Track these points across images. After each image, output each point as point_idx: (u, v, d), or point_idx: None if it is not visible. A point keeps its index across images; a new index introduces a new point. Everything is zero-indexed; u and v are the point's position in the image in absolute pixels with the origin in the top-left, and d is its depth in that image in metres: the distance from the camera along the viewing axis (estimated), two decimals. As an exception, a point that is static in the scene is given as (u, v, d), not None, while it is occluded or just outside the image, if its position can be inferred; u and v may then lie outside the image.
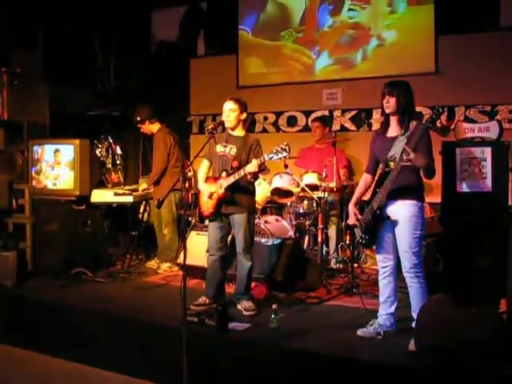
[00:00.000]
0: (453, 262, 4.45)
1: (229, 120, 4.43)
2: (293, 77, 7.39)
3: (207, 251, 4.70)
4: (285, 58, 7.45)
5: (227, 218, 4.50)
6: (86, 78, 7.33)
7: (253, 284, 4.70)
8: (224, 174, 4.39)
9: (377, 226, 3.75)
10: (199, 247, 5.32)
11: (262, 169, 4.25)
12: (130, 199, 5.80)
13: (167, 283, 5.43)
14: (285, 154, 4.04)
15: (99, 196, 5.79)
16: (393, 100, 3.67)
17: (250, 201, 4.51)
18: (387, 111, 3.74)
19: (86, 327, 4.42)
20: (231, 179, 4.32)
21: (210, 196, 4.46)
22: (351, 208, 3.90)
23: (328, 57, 7.21)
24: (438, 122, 3.43)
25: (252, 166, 4.16)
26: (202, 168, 4.65)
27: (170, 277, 5.58)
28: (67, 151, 5.61)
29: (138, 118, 6.09)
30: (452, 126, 5.93)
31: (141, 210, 6.53)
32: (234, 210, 4.43)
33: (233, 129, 4.50)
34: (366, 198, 3.90)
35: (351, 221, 3.90)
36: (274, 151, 4.07)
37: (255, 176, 4.29)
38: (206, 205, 4.51)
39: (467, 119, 6.17)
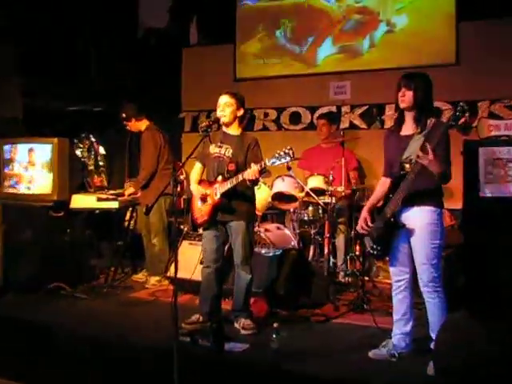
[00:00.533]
0: (476, 275, 4.45)
1: (224, 115, 4.45)
2: (292, 66, 7.41)
3: (201, 263, 4.71)
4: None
5: (223, 226, 4.51)
6: (65, 70, 7.32)
7: (252, 299, 4.70)
8: (220, 178, 4.40)
9: (390, 235, 3.74)
10: (192, 258, 5.32)
11: (264, 171, 4.26)
12: (114, 205, 5.80)
13: (156, 299, 5.44)
14: (288, 158, 4.05)
15: (80, 201, 5.77)
16: (410, 94, 3.67)
17: (248, 207, 4.51)
18: (402, 106, 3.74)
19: (64, 350, 4.40)
20: (228, 185, 4.33)
21: (204, 202, 4.47)
22: (364, 214, 3.89)
23: (332, 45, 7.25)
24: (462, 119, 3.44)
25: (251, 173, 4.16)
26: (195, 171, 4.66)
27: (160, 292, 5.58)
28: (43, 151, 5.61)
29: (124, 115, 6.09)
30: (475, 123, 5.97)
31: (127, 217, 6.52)
32: (231, 218, 4.44)
33: (228, 125, 4.52)
34: (379, 204, 3.90)
35: (359, 226, 3.89)
36: (276, 155, 4.07)
37: (255, 181, 4.29)
38: (200, 211, 4.51)
39: (492, 115, 6.16)
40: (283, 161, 4.06)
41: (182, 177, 6.03)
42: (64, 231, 5.90)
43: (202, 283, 4.62)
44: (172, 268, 4.52)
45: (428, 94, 3.70)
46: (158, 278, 5.95)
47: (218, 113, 4.47)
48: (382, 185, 3.97)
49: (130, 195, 6.00)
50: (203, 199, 4.46)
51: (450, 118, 3.50)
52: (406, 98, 3.69)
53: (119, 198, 5.87)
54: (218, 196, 4.36)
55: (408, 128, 3.77)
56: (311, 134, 7.08)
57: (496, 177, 4.40)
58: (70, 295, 5.49)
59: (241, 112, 4.51)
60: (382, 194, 3.93)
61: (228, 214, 4.43)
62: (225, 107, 4.45)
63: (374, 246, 3.82)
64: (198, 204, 4.54)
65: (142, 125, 6.10)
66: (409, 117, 3.75)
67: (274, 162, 4.09)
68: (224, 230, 4.51)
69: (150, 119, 6.16)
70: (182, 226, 6.07)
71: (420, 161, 3.47)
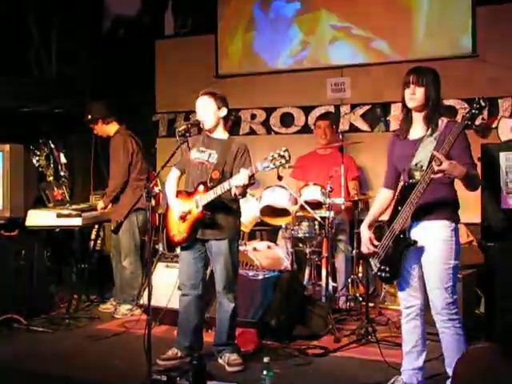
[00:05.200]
0: (498, 300, 4.45)
1: (204, 120, 4.44)
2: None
3: (179, 289, 4.67)
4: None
5: (203, 246, 4.49)
6: (18, 64, 7.28)
7: (238, 331, 4.68)
8: (201, 187, 4.37)
9: (399, 255, 3.73)
10: (169, 284, 5.25)
11: (253, 182, 4.23)
12: (78, 222, 5.77)
13: (127, 331, 5.40)
14: (283, 161, 4.01)
15: (37, 218, 5.75)
16: (421, 91, 3.67)
17: (232, 223, 4.49)
18: (411, 105, 3.73)
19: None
20: (211, 195, 4.29)
21: (183, 217, 4.44)
22: (364, 231, 3.89)
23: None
24: (478, 118, 3.43)
25: (240, 178, 4.12)
26: (171, 179, 4.63)
27: (131, 322, 5.54)
28: (-6, 160, 5.59)
29: (89, 117, 6.10)
30: (495, 124, 5.99)
31: (93, 236, 6.49)
32: (213, 235, 4.42)
33: (211, 130, 4.51)
34: (386, 217, 3.89)
35: (365, 248, 3.88)
36: (270, 158, 4.04)
37: (243, 192, 4.27)
38: (178, 228, 4.49)
39: (515, 114, 6.23)
40: (277, 164, 4.02)
41: (156, 189, 6.00)
42: (18, 253, 5.84)
43: (180, 313, 4.59)
44: (145, 295, 4.47)
45: (439, 90, 3.71)
46: (128, 306, 5.92)
47: (198, 117, 4.47)
48: (381, 197, 3.98)
49: (102, 209, 5.98)
50: (183, 217, 4.43)
51: (464, 115, 3.48)
52: (417, 95, 3.68)
53: (83, 214, 5.84)
54: (200, 208, 4.33)
55: (417, 131, 3.77)
56: (306, 139, 7.10)
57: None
58: (25, 328, 5.43)
59: (223, 112, 4.50)
60: (381, 207, 3.95)
61: (209, 231, 4.40)
62: (204, 111, 4.45)
63: (382, 267, 3.80)
64: (175, 220, 4.51)
65: (111, 128, 6.09)
66: (418, 117, 3.75)
67: (267, 167, 4.05)
68: (204, 250, 4.49)
69: (120, 122, 6.16)
70: (157, 246, 6.04)
71: (434, 167, 3.44)
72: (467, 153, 3.62)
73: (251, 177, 4.13)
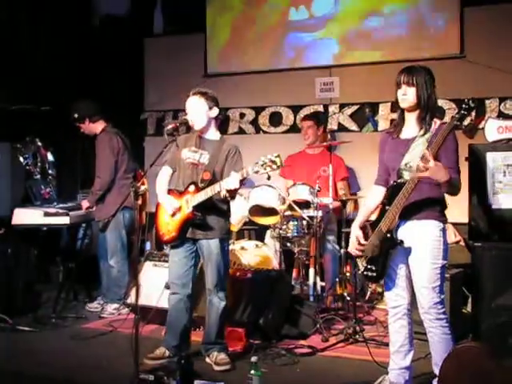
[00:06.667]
0: (485, 300, 4.47)
1: (195, 120, 4.44)
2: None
3: (167, 288, 4.66)
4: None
5: (194, 245, 4.49)
6: (6, 62, 7.24)
7: (227, 330, 4.68)
8: (192, 187, 4.38)
9: (386, 254, 3.74)
10: (157, 283, 5.28)
11: (244, 184, 4.24)
12: (65, 221, 5.76)
13: (114, 330, 5.39)
14: (274, 167, 4.02)
15: (24, 217, 5.73)
16: (412, 91, 3.68)
17: (223, 223, 4.50)
18: (403, 105, 3.75)
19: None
20: (202, 196, 4.31)
21: (173, 215, 4.44)
22: (354, 231, 3.89)
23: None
24: (467, 119, 3.44)
25: (231, 182, 4.13)
26: (163, 176, 4.63)
27: (119, 322, 5.50)
28: (-20, 158, 5.58)
29: (76, 115, 6.07)
30: (481, 125, 6.02)
31: (80, 235, 6.47)
32: (203, 235, 4.42)
33: (203, 131, 4.51)
34: (373, 217, 3.90)
35: (352, 248, 3.89)
36: (261, 163, 4.04)
37: (233, 194, 4.28)
38: (167, 226, 4.49)
39: (502, 115, 6.24)
40: (268, 170, 4.03)
41: (143, 187, 5.97)
42: (4, 252, 5.81)
43: (169, 312, 4.58)
44: (133, 294, 4.46)
45: (432, 90, 3.71)
46: (116, 305, 5.91)
47: (189, 117, 4.45)
48: (373, 195, 3.97)
49: (87, 209, 5.95)
50: (173, 215, 4.43)
51: (454, 116, 3.50)
52: (408, 95, 3.69)
53: (71, 213, 5.83)
54: (190, 209, 4.34)
55: (410, 131, 3.77)
56: (294, 138, 7.11)
57: (507, 185, 4.44)
58: (11, 328, 5.40)
59: (214, 112, 4.50)
60: (374, 205, 3.94)
61: (199, 230, 4.41)
62: (194, 111, 4.44)
63: (368, 267, 3.80)
64: (164, 218, 4.51)
65: (98, 127, 6.08)
66: (411, 117, 3.76)
67: (257, 171, 4.06)
68: (195, 249, 4.49)
69: (107, 120, 6.14)
70: (144, 245, 6.03)
71: (421, 166, 3.45)
72: (453, 156, 3.63)
73: (242, 180, 4.14)
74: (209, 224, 4.41)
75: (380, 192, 3.90)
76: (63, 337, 5.27)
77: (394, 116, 4.53)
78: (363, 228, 3.88)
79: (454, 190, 3.60)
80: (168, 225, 4.48)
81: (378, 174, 3.98)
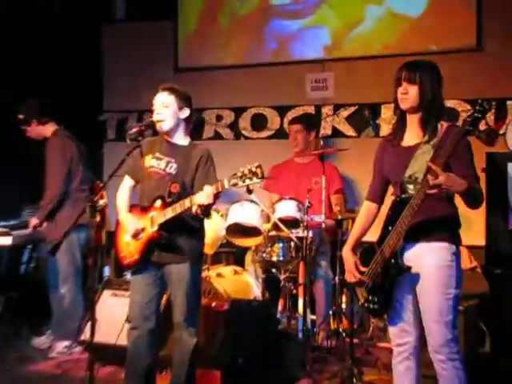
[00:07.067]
0: (506, 337, 4.49)
1: (162, 120, 4.44)
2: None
3: (128, 322, 4.65)
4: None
5: (160, 271, 4.48)
6: None
7: (199, 372, 4.65)
8: (159, 202, 4.37)
9: (391, 283, 3.75)
10: (116, 316, 5.27)
11: (218, 197, 4.23)
12: (6, 241, 5.76)
13: (64, 373, 5.36)
14: (255, 179, 4.01)
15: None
16: (414, 90, 3.69)
17: (194, 245, 4.50)
18: (404, 106, 3.76)
19: None
20: (169, 212, 4.28)
21: (136, 235, 4.43)
22: (347, 256, 3.91)
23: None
24: (482, 123, 3.46)
25: (204, 196, 4.10)
26: (123, 189, 4.63)
27: (70, 363, 5.49)
28: None
29: (21, 116, 6.07)
30: (502, 130, 6.07)
31: (24, 259, 6.44)
32: (171, 259, 4.40)
33: (170, 134, 4.51)
34: (374, 238, 3.91)
35: (350, 276, 3.90)
36: (239, 175, 4.03)
37: (206, 211, 4.27)
38: (129, 248, 4.47)
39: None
40: (248, 182, 4.02)
41: (102, 202, 5.98)
42: None
43: (129, 351, 4.54)
44: (88, 329, 4.43)
45: (438, 89, 3.73)
46: (67, 343, 5.87)
47: (155, 117, 4.46)
48: (364, 213, 4.01)
49: (35, 228, 5.93)
50: (136, 235, 4.42)
51: (465, 120, 3.48)
52: (410, 95, 3.70)
53: (13, 232, 5.81)
54: (156, 228, 4.33)
55: (412, 136, 3.80)
56: (281, 144, 7.12)
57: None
58: None
59: (185, 113, 4.51)
60: (366, 224, 3.98)
61: (167, 254, 4.39)
62: (162, 109, 4.44)
63: (369, 298, 3.82)
64: (125, 237, 4.50)
65: (47, 130, 6.07)
66: (413, 121, 3.79)
67: (235, 184, 4.05)
68: (160, 275, 4.48)
69: (59, 123, 6.13)
70: (102, 270, 6.01)
71: (429, 180, 3.44)
72: (469, 163, 3.65)
73: (217, 194, 4.14)
74: (178, 246, 4.39)
75: (371, 209, 3.96)
76: (3, 381, 5.22)
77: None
78: (363, 252, 3.90)
79: (476, 200, 3.62)
80: (129, 246, 4.46)
81: (370, 188, 4.02)
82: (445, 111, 3.88)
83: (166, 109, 4.44)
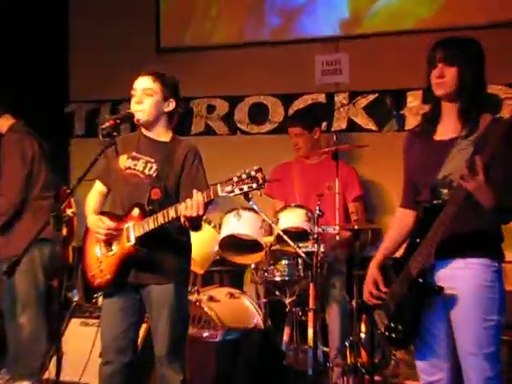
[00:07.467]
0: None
1: (142, 109, 4.41)
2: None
3: (100, 356, 4.62)
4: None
5: (138, 293, 4.45)
6: None
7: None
8: (136, 211, 4.34)
9: (417, 308, 3.73)
10: (86, 348, 5.27)
11: (210, 205, 4.19)
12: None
13: (24, 419, 5.34)
14: (254, 185, 3.98)
15: None
16: (452, 72, 3.65)
17: (180, 262, 4.50)
18: (439, 92, 3.72)
19: None
20: (150, 223, 4.24)
21: (108, 250, 4.40)
22: (373, 272, 3.89)
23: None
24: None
25: (192, 206, 4.05)
26: (93, 195, 4.62)
27: (31, 406, 5.49)
28: None
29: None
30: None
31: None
32: (151, 279, 4.39)
33: (149, 127, 4.50)
34: (396, 254, 3.91)
35: (367, 295, 3.89)
36: (236, 180, 3.99)
37: (195, 223, 4.26)
38: (99, 265, 4.45)
39: None
40: (246, 189, 3.99)
41: (70, 211, 5.96)
42: None
43: (101, 389, 4.56)
44: (52, 365, 4.41)
45: (481, 73, 3.72)
46: (27, 382, 5.82)
47: (133, 106, 4.45)
48: (399, 222, 3.99)
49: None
50: (108, 251, 4.39)
51: (512, 111, 3.49)
52: (447, 79, 3.66)
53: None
54: (132, 242, 4.29)
55: (447, 129, 3.76)
56: (285, 141, 7.07)
57: None
58: None
59: (171, 106, 4.49)
60: (401, 236, 3.94)
61: (146, 273, 4.38)
62: (143, 97, 4.42)
63: (392, 325, 3.79)
64: (95, 251, 4.47)
65: (2, 124, 6.04)
66: (449, 111, 3.75)
67: (230, 191, 4.01)
68: (138, 298, 4.46)
69: (18, 116, 6.11)
70: (70, 294, 5.99)
71: (464, 185, 3.43)
72: (510, 170, 3.59)
73: (208, 203, 4.09)
74: (160, 263, 4.37)
75: (408, 218, 3.91)
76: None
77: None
78: (385, 268, 3.88)
79: (506, 216, 3.62)
80: (100, 262, 4.44)
81: (403, 193, 3.99)
82: (488, 100, 3.85)
83: (147, 97, 4.42)
